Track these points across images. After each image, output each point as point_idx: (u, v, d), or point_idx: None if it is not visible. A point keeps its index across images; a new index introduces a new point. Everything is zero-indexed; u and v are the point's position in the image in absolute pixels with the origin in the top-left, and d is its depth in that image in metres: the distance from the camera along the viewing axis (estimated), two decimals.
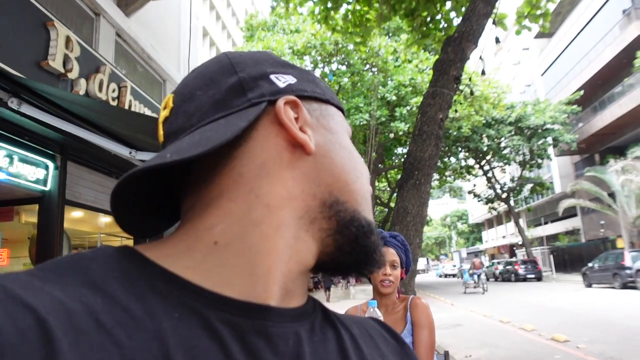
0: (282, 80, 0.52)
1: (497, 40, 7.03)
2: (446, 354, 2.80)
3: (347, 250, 0.50)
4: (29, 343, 0.32)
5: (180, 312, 0.40)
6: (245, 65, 0.52)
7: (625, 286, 18.73)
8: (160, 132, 0.53)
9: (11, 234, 6.91)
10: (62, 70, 5.63)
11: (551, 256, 34.92)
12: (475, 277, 24.11)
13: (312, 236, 0.49)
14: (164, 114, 0.53)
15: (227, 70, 0.51)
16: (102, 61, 6.54)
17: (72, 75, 5.76)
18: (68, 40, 5.71)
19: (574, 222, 36.86)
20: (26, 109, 4.82)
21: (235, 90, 0.49)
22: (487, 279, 37.03)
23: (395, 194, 19.43)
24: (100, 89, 6.21)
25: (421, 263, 77.55)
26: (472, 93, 12.46)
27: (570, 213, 34.59)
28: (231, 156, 0.48)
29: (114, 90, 6.58)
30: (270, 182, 0.47)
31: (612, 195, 25.30)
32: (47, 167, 5.88)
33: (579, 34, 32.02)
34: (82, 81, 5.94)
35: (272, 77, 0.51)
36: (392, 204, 21.39)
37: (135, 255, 0.44)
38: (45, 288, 0.36)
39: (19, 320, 0.32)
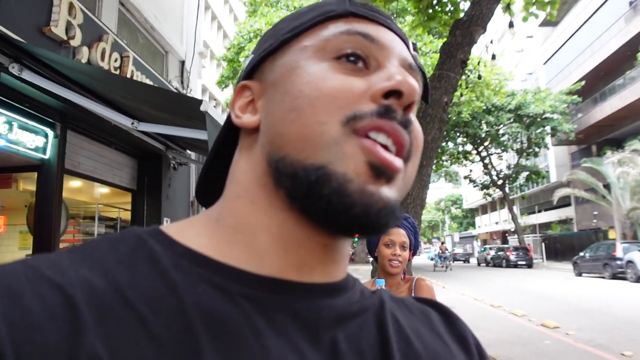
0: (246, 64, 0.53)
1: (511, 25, 6.97)
2: None
3: (314, 209, 0.42)
4: (56, 320, 0.33)
5: (202, 288, 0.40)
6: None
7: (615, 277, 18.96)
8: None
9: (9, 202, 6.89)
10: (65, 37, 5.54)
11: (543, 244, 35.24)
12: (443, 259, 31.42)
13: (283, 202, 0.44)
14: None
15: None
16: (105, 30, 6.45)
17: (75, 42, 5.68)
18: (71, 6, 5.61)
19: (567, 212, 37.12)
20: (27, 75, 4.76)
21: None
22: (479, 264, 37.59)
23: None
24: (102, 58, 6.14)
25: None
26: (479, 77, 12.41)
27: (564, 202, 34.81)
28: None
29: (116, 60, 6.51)
30: (237, 160, 0.50)
31: (607, 186, 25.44)
32: (46, 135, 5.83)
33: (584, 24, 31.82)
34: (85, 49, 5.86)
35: (248, 59, 0.53)
36: None
37: (161, 235, 0.44)
38: (73, 267, 0.37)
39: (47, 298, 0.34)
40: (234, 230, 0.45)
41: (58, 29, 5.40)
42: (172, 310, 0.37)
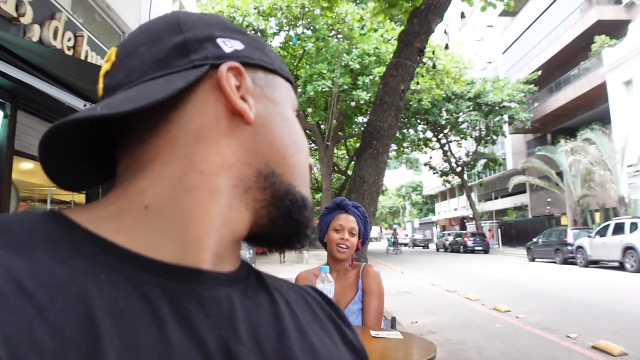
0: (229, 45, 0.50)
1: (463, 15, 7.16)
2: (393, 319, 2.90)
3: (280, 223, 0.50)
4: None
5: (106, 275, 0.39)
6: (192, 26, 0.50)
7: (565, 261, 19.69)
8: (100, 85, 0.51)
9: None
10: (15, 14, 5.33)
11: (499, 230, 36.21)
12: (395, 244, 35.42)
13: (246, 206, 0.48)
14: (105, 67, 0.51)
15: (173, 29, 0.49)
16: (58, 8, 6.23)
17: (25, 20, 5.47)
18: None
19: (523, 199, 38.22)
20: None
21: (178, 49, 0.48)
22: (437, 250, 38.33)
23: (353, 162, 19.55)
24: (55, 37, 5.94)
25: (374, 231, 79.08)
26: (434, 66, 12.51)
27: (519, 189, 35.74)
28: (168, 118, 0.47)
29: (69, 39, 6.30)
30: (206, 149, 0.46)
31: (560, 174, 26.22)
32: None
33: (541, 14, 32.57)
34: (36, 27, 5.66)
35: (219, 40, 0.50)
36: (350, 172, 21.51)
37: (62, 219, 0.42)
38: None
39: None
40: (167, 221, 0.44)
41: (7, 5, 5.19)
42: (72, 297, 0.36)
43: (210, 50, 0.48)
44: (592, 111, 28.22)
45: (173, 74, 0.46)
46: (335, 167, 31.43)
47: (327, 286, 2.11)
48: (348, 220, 2.40)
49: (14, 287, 0.34)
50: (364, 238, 2.49)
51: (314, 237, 0.54)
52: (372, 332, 2.14)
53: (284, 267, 19.54)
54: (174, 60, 0.47)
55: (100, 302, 0.37)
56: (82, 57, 6.50)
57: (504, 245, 35.01)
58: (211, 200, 0.46)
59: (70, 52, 6.29)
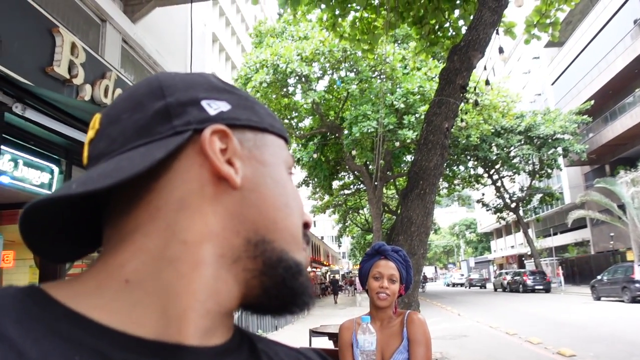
0: (214, 107, 0.48)
1: (501, 50, 6.98)
2: None
3: (274, 293, 0.48)
4: None
5: (81, 355, 0.37)
6: (175, 89, 0.48)
7: (634, 300, 18.49)
8: (85, 154, 0.50)
9: (18, 237, 6.88)
10: (67, 76, 5.64)
11: (560, 267, 34.61)
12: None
13: (235, 276, 0.46)
14: (89, 134, 0.49)
15: (155, 94, 0.47)
16: (108, 67, 6.56)
17: (77, 81, 5.77)
18: (73, 46, 5.72)
19: (584, 234, 36.56)
20: (31, 114, 4.83)
21: (160, 115, 0.46)
22: (495, 289, 36.94)
23: None
24: (105, 95, 6.22)
25: (429, 271, 77.37)
26: (477, 103, 12.28)
27: (579, 224, 34.33)
28: (149, 188, 0.45)
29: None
30: (189, 217, 0.44)
31: (622, 207, 25.05)
32: (52, 172, 5.89)
33: (589, 43, 31.88)
34: (88, 87, 5.96)
35: (204, 103, 0.48)
36: (399, 213, 21.34)
37: (40, 295, 0.41)
38: None
39: None
40: (148, 295, 0.42)
41: (61, 69, 5.50)
42: None
43: (193, 114, 0.47)
44: None
45: (154, 142, 0.45)
46: (385, 208, 31.16)
47: (369, 337, 2.03)
48: (387, 267, 2.31)
49: None
50: (407, 283, 2.39)
51: (310, 302, 0.51)
52: None
53: (337, 310, 19.28)
54: (155, 127, 0.46)
55: None
56: None
57: (566, 284, 33.34)
58: (195, 271, 0.43)
59: None
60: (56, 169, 5.94)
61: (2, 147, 4.96)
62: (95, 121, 0.49)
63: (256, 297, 0.48)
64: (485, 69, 7.27)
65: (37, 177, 5.67)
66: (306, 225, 0.54)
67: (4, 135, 4.95)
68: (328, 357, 0.59)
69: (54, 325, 0.39)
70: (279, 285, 0.48)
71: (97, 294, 0.42)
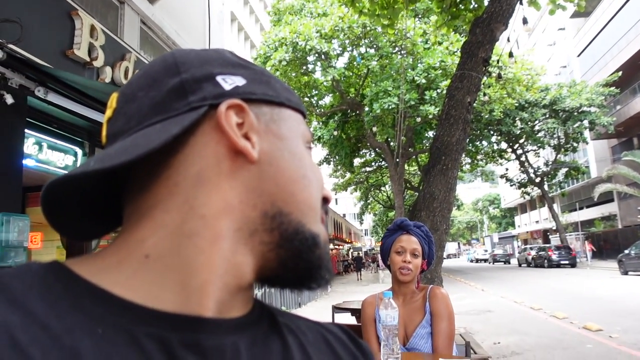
0: (229, 82, 0.48)
1: (525, 21, 6.79)
2: (467, 345, 2.74)
3: (290, 265, 0.48)
4: None
5: (103, 329, 0.38)
6: (190, 65, 0.48)
7: None
8: (104, 133, 0.50)
9: (44, 218, 7.09)
10: (88, 59, 5.68)
11: (586, 242, 34.14)
12: None
13: (252, 250, 0.46)
14: (107, 113, 0.50)
15: (170, 71, 0.48)
16: (127, 49, 6.59)
17: (98, 63, 5.82)
18: (93, 29, 5.75)
19: (610, 208, 35.91)
20: (53, 97, 4.90)
21: (176, 92, 0.46)
22: (520, 265, 36.68)
23: None
24: (125, 76, 6.26)
25: (452, 247, 77.15)
26: (500, 77, 12.00)
27: (606, 198, 33.73)
28: (167, 164, 0.45)
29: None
30: (206, 192, 0.45)
31: None
32: (75, 154, 5.98)
33: (617, 12, 30.85)
34: (108, 69, 6.00)
35: (219, 78, 0.48)
36: (421, 189, 21.25)
37: (63, 272, 0.42)
38: None
39: None
40: (168, 269, 0.43)
41: (81, 51, 5.54)
42: (65, 352, 0.35)
43: (208, 90, 0.47)
44: None
45: (170, 118, 0.45)
46: (407, 184, 31.01)
47: (391, 312, 2.02)
48: (410, 242, 2.30)
49: (7, 341, 0.35)
50: (429, 258, 2.38)
51: (329, 277, 0.51)
52: None
53: (360, 287, 19.41)
54: (171, 103, 0.46)
55: (94, 357, 0.37)
56: None
57: (593, 259, 32.90)
58: (213, 245, 0.44)
59: None
60: (79, 151, 6.03)
61: (27, 130, 5.04)
62: (113, 100, 0.50)
63: (273, 270, 0.48)
64: (508, 41, 7.10)
65: (61, 160, 5.77)
66: (325, 200, 0.54)
67: (28, 119, 5.03)
68: (351, 331, 0.59)
69: (76, 300, 0.40)
70: (295, 258, 0.48)
71: (118, 269, 0.43)
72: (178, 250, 0.43)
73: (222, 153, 0.46)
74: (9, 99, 4.43)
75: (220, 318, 0.44)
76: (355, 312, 5.27)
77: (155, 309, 0.41)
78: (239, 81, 0.49)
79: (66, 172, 0.43)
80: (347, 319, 5.85)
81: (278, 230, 0.47)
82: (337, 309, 5.91)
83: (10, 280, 0.39)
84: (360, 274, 28.41)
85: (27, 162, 5.18)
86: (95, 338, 0.37)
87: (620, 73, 29.08)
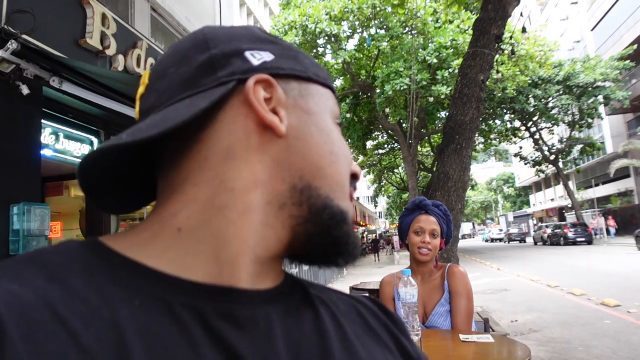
0: (257, 57, 0.49)
1: None
2: (486, 321, 2.76)
3: (318, 241, 0.49)
4: None
5: (140, 300, 0.40)
6: (219, 41, 0.49)
7: None
8: (137, 109, 0.52)
9: (63, 208, 7.20)
10: (100, 48, 5.71)
11: (603, 218, 33.81)
12: None
13: (282, 223, 0.47)
14: (140, 90, 0.51)
15: (200, 47, 0.49)
16: (139, 36, 6.60)
17: (110, 51, 5.84)
18: (104, 17, 5.77)
19: (627, 183, 35.46)
20: (68, 87, 4.94)
21: (205, 67, 0.47)
22: (535, 243, 36.48)
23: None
24: (138, 64, 6.29)
25: (467, 227, 76.87)
26: (513, 52, 11.84)
27: (622, 174, 33.28)
28: (198, 139, 0.46)
29: (151, 65, 6.65)
30: (236, 166, 0.46)
31: None
32: (91, 143, 6.05)
33: None
34: (120, 57, 6.03)
35: (247, 53, 0.49)
36: (435, 169, 21.14)
37: (99, 247, 0.44)
38: (1, 283, 0.37)
39: None
40: (200, 242, 0.44)
41: (93, 40, 5.57)
42: (105, 323, 0.37)
43: (237, 65, 0.48)
44: None
45: (199, 93, 0.46)
46: (421, 165, 30.88)
47: (410, 290, 2.04)
48: (429, 222, 2.31)
49: (50, 315, 0.36)
50: (448, 237, 2.39)
51: (356, 253, 0.51)
52: (462, 336, 2.04)
53: (376, 269, 19.48)
54: (200, 79, 0.47)
55: (133, 326, 0.38)
56: None
57: (608, 235, 32.61)
58: (244, 218, 0.45)
59: None
60: (95, 140, 6.09)
61: (43, 120, 5.10)
62: (145, 77, 0.51)
63: (301, 244, 0.49)
64: (521, 15, 6.99)
65: (77, 149, 5.83)
66: (354, 176, 0.55)
67: (44, 109, 5.08)
68: (382, 303, 0.60)
69: (113, 274, 0.41)
70: (323, 233, 0.48)
71: (152, 243, 0.45)
72: (209, 223, 0.44)
73: (251, 127, 0.47)
74: (25, 90, 4.48)
75: (253, 289, 0.46)
76: (372, 293, 5.30)
77: (189, 279, 0.43)
78: (267, 56, 0.50)
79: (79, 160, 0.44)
80: None
81: (307, 203, 0.48)
82: (354, 289, 5.95)
83: (50, 257, 0.41)
84: (378, 255, 29.21)
85: (45, 152, 5.25)
86: (132, 309, 0.39)
87: (635, 46, 28.47)
